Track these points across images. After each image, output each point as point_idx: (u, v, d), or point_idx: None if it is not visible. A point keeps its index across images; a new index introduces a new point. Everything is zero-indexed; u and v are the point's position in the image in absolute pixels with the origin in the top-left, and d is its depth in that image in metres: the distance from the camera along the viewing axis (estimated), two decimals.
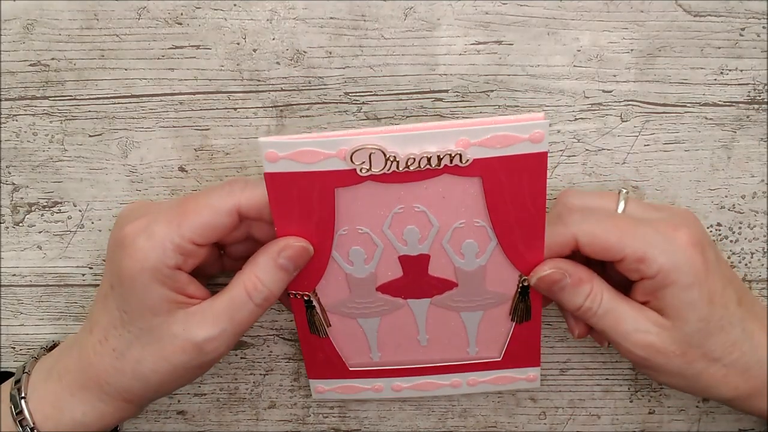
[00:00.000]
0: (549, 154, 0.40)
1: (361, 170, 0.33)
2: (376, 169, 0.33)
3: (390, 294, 0.39)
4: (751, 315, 0.36)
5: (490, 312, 0.39)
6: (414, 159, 0.33)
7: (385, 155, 0.33)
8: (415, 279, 0.38)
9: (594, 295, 0.36)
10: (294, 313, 0.40)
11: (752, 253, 0.42)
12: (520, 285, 0.38)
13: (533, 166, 0.34)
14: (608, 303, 0.36)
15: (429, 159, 0.33)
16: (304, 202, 0.35)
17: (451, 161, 0.33)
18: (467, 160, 0.33)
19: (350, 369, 0.42)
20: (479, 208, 0.35)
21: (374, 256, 0.37)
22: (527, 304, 0.38)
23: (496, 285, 0.38)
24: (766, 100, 0.39)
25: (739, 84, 0.39)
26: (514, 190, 0.34)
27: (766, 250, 0.42)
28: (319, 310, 0.39)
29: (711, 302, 0.34)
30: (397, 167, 0.33)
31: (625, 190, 0.37)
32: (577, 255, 0.36)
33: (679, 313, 0.34)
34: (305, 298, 0.39)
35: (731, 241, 0.42)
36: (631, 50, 0.39)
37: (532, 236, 0.36)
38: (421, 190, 0.35)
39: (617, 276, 0.37)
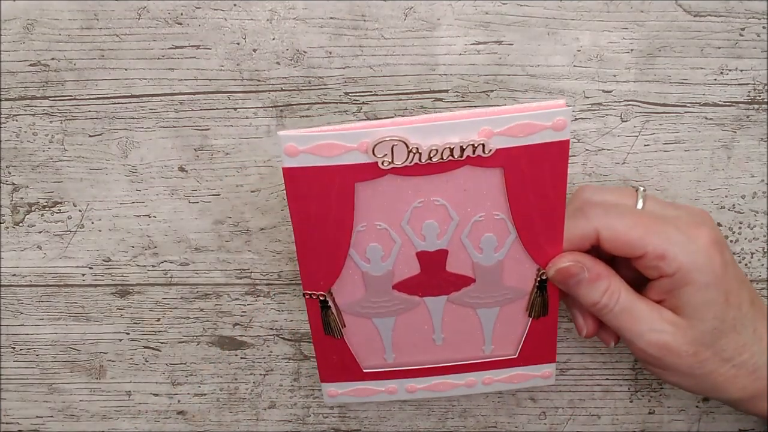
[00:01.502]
0: None
1: (383, 163, 0.33)
2: (398, 162, 0.33)
3: (406, 292, 0.38)
4: (760, 316, 0.36)
5: (507, 308, 0.39)
6: (437, 150, 0.33)
7: (407, 147, 0.33)
8: (433, 275, 0.38)
9: (611, 292, 0.36)
10: (308, 314, 0.39)
11: (752, 253, 0.42)
12: (538, 279, 0.37)
13: (555, 154, 0.33)
14: (625, 301, 0.36)
15: (452, 150, 0.33)
16: (323, 198, 0.34)
17: (473, 152, 0.33)
18: (490, 150, 0.33)
19: (364, 371, 0.41)
20: (500, 200, 0.35)
21: (392, 252, 0.37)
22: (545, 298, 0.38)
23: (513, 280, 0.38)
24: (766, 100, 0.39)
25: (739, 84, 0.39)
26: (536, 179, 0.34)
27: (766, 250, 0.42)
28: (334, 311, 0.39)
29: (727, 302, 0.34)
30: (420, 159, 0.33)
31: (642, 188, 0.37)
32: (591, 251, 0.36)
33: (695, 312, 0.34)
34: (321, 298, 0.38)
35: (731, 241, 0.42)
36: (631, 50, 0.39)
37: (551, 227, 0.36)
38: (442, 182, 0.34)
39: (628, 274, 0.37)
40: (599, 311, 0.36)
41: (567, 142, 0.33)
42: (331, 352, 0.40)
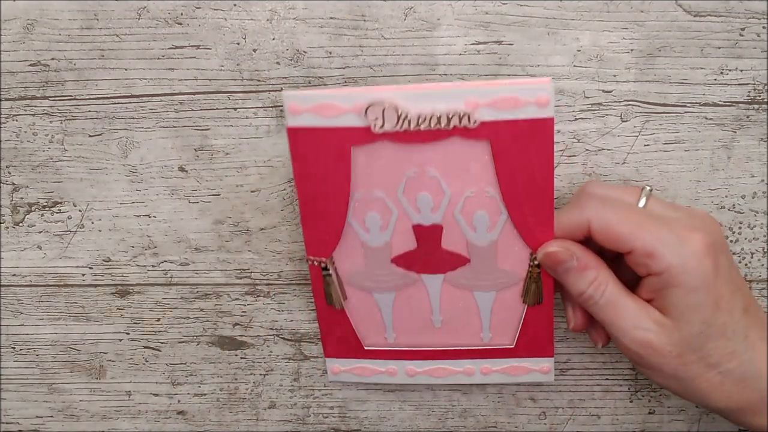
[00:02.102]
0: None
1: (374, 126, 0.35)
2: (388, 126, 0.35)
3: (404, 266, 0.40)
4: (755, 325, 0.35)
5: (503, 293, 0.40)
6: (424, 117, 0.34)
7: (397, 111, 0.34)
8: (429, 251, 0.39)
9: (598, 284, 0.36)
10: (312, 284, 0.40)
11: (752, 253, 0.42)
12: (531, 263, 0.38)
13: (540, 132, 0.34)
14: (611, 294, 0.36)
15: (439, 118, 0.34)
16: (323, 160, 0.36)
17: (459, 121, 0.34)
18: (475, 121, 0.34)
19: (365, 348, 0.42)
20: (489, 177, 0.36)
21: (389, 223, 0.38)
22: (539, 285, 0.39)
23: (508, 263, 0.39)
24: (766, 100, 0.39)
25: (739, 84, 0.39)
26: (522, 157, 0.35)
27: (766, 250, 0.42)
28: (335, 279, 0.40)
29: (716, 306, 0.34)
30: (409, 125, 0.35)
31: (648, 187, 0.37)
32: (590, 246, 0.37)
33: (682, 314, 0.34)
34: (322, 265, 0.39)
35: (731, 241, 0.42)
36: (631, 50, 0.39)
37: (541, 210, 0.36)
38: (432, 152, 0.36)
39: (630, 273, 0.37)
40: (585, 302, 0.36)
41: (551, 120, 0.34)
42: (334, 324, 0.42)
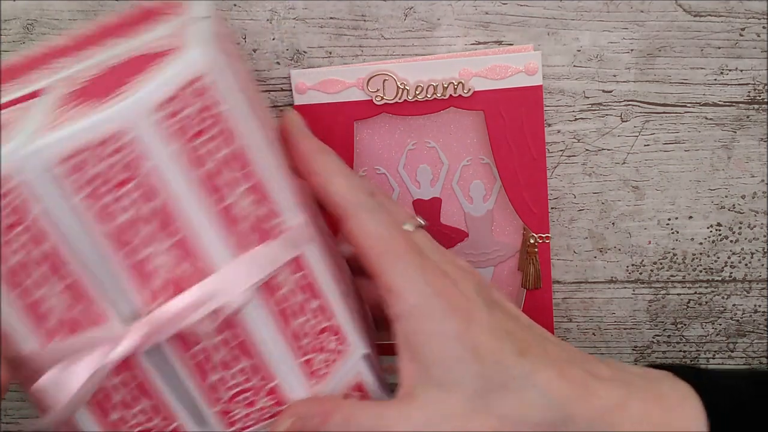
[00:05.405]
0: (548, 154, 0.40)
1: (376, 98, 0.38)
2: (389, 97, 0.38)
3: None
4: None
5: (500, 269, 0.41)
6: (422, 88, 0.37)
7: (396, 82, 0.37)
8: (429, 228, 0.40)
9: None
10: None
11: (752, 253, 0.42)
12: (527, 242, 0.40)
13: (530, 100, 0.38)
14: None
15: (435, 88, 0.37)
16: (328, 136, 0.38)
17: (455, 90, 0.37)
18: (468, 90, 0.37)
19: None
20: (484, 144, 0.39)
21: None
22: (537, 268, 0.39)
23: (503, 234, 0.40)
24: (766, 100, 0.39)
25: (739, 84, 0.39)
26: (515, 126, 0.38)
27: (766, 250, 0.42)
28: None
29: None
30: (408, 96, 0.38)
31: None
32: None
33: None
34: None
35: (731, 241, 0.42)
36: (631, 50, 0.39)
37: (534, 183, 0.39)
38: (431, 124, 0.39)
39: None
40: None
41: (540, 88, 0.37)
42: None
